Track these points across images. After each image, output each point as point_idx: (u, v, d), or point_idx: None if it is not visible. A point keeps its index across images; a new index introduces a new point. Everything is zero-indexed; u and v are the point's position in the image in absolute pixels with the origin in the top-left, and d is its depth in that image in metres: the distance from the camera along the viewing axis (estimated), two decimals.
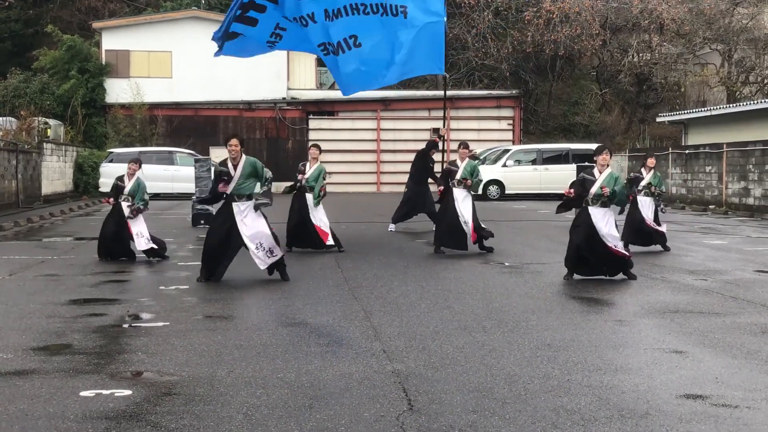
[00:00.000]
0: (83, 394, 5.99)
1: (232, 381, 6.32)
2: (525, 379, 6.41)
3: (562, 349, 7.39)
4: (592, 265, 11.62)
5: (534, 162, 33.44)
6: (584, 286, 11.16)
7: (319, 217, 14.77)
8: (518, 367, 6.75)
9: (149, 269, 12.89)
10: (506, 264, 13.37)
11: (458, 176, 14.59)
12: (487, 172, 32.07)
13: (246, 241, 11.03)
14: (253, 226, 11.07)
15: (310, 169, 15.02)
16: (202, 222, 20.55)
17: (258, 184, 11.30)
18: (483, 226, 14.78)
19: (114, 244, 13.72)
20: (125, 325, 8.55)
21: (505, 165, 33.29)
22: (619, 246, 11.55)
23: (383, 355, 7.14)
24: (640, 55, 41.89)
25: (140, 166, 14.01)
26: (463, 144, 15.13)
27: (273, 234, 11.20)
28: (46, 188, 29.14)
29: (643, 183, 15.50)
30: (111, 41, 38.01)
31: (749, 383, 6.34)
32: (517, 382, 6.32)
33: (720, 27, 41.24)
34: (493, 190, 32.59)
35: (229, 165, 11.22)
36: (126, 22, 38.89)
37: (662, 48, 41.57)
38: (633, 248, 15.02)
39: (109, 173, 31.48)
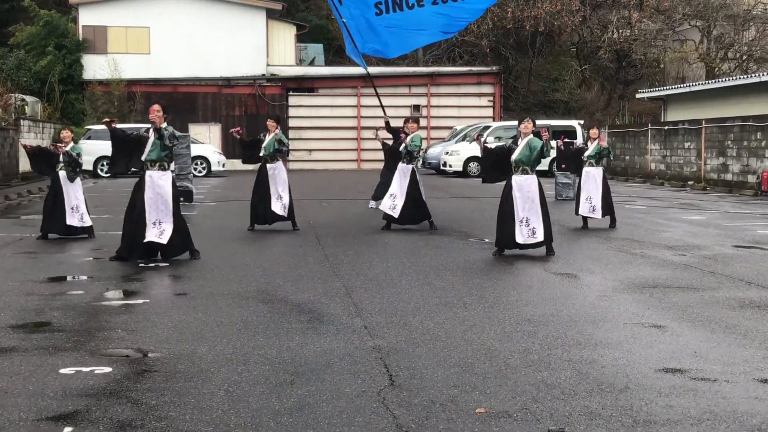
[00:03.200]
0: (63, 371, 5.96)
1: (213, 358, 6.30)
2: (505, 354, 6.43)
3: (542, 324, 7.43)
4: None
5: (514, 138, 33.41)
6: (564, 262, 11.20)
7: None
8: (499, 342, 6.78)
9: None
10: (486, 240, 13.39)
11: (401, 149, 14.56)
12: (467, 149, 32.07)
13: None
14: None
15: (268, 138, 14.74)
16: (182, 199, 20.43)
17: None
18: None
19: (57, 219, 13.50)
20: (104, 303, 8.51)
21: (485, 142, 33.26)
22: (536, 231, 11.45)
23: (364, 331, 7.15)
24: (620, 31, 41.95)
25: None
26: (412, 119, 15.19)
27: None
28: (24, 165, 28.85)
29: (587, 153, 15.48)
30: (88, 17, 37.64)
31: (727, 357, 6.40)
32: (498, 357, 6.35)
33: (699, 3, 41.31)
34: (473, 167, 32.58)
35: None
36: None
37: (642, 24, 41.63)
38: (596, 223, 15.13)
39: (87, 150, 31.17)
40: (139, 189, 11.10)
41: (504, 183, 11.82)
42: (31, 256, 11.66)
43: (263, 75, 38.70)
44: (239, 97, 38.66)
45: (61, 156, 13.47)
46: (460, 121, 37.55)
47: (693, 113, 31.53)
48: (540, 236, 11.47)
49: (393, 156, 14.97)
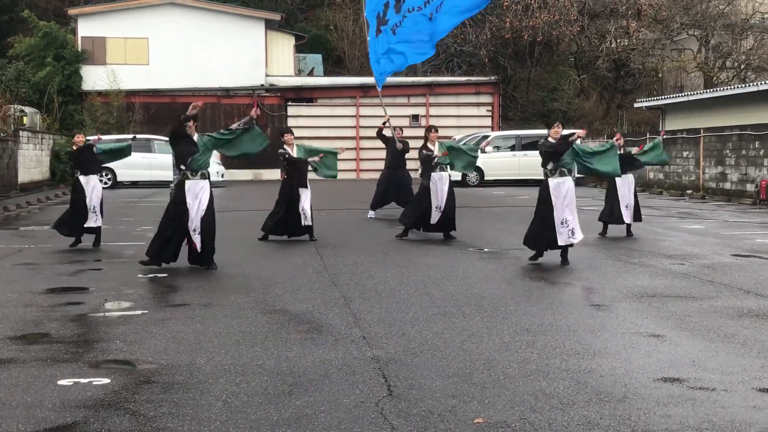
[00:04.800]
0: (61, 382, 5.95)
1: (211, 369, 6.30)
2: (504, 363, 6.43)
3: (540, 334, 7.43)
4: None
5: (513, 148, 33.43)
6: (562, 271, 11.21)
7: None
8: (497, 352, 6.77)
9: (127, 258, 12.81)
10: (485, 250, 13.40)
11: (436, 160, 14.63)
12: None
13: None
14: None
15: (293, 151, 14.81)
16: None
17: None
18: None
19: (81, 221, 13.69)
20: (103, 314, 8.51)
21: (483, 151, 33.29)
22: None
23: (363, 342, 7.14)
24: (618, 40, 41.99)
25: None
26: (432, 128, 15.20)
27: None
28: (23, 176, 28.89)
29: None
30: (87, 28, 37.68)
31: (726, 366, 6.40)
32: (496, 366, 6.34)
33: (697, 12, 41.39)
34: (472, 176, 32.56)
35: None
36: (102, 9, 38.51)
37: (640, 34, 41.67)
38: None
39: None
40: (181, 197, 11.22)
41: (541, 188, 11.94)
42: (29, 268, 11.66)
43: (262, 85, 38.74)
44: (238, 108, 38.66)
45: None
46: (459, 131, 37.53)
47: (691, 122, 31.55)
48: (579, 235, 11.68)
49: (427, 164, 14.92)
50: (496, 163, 33.08)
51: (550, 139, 11.93)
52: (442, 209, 14.50)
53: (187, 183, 11.19)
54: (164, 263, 11.35)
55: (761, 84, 28.46)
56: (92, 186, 13.81)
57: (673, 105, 34.10)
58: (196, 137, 11.22)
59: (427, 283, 10.18)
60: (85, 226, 13.71)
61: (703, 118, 31.01)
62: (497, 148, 33.69)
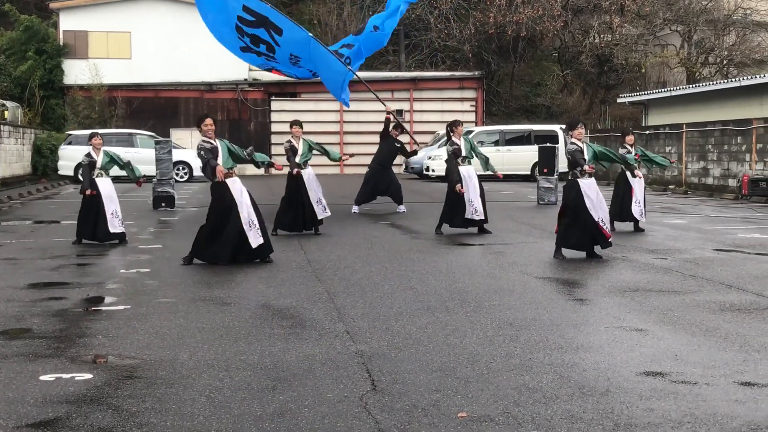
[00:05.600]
0: (43, 378, 5.92)
1: (194, 364, 6.28)
2: (487, 358, 6.44)
3: (523, 328, 7.44)
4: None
5: (497, 143, 33.49)
6: (546, 266, 11.24)
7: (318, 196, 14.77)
8: (480, 347, 6.79)
9: (110, 253, 12.76)
10: (469, 244, 13.42)
11: (463, 153, 14.57)
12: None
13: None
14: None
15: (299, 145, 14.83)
16: (163, 205, 20.41)
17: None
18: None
19: (96, 226, 13.48)
20: (85, 309, 8.46)
21: None
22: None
23: (347, 336, 7.14)
24: (601, 36, 42.13)
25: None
26: (457, 122, 15.06)
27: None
28: (4, 171, 28.71)
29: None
30: (69, 22, 37.45)
31: (708, 360, 6.43)
32: (480, 361, 6.35)
33: (680, 8, 41.59)
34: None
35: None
36: (84, 2, 38.24)
37: (623, 29, 41.83)
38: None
39: (68, 156, 31.05)
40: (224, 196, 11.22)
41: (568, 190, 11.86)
42: (11, 263, 11.59)
43: (245, 80, 38.63)
44: (222, 102, 38.58)
45: (99, 162, 13.45)
46: (443, 126, 37.53)
47: (674, 117, 31.69)
48: (609, 230, 11.86)
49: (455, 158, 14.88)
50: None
51: (575, 140, 11.80)
52: (474, 204, 14.41)
53: (228, 181, 11.19)
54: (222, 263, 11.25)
55: (743, 79, 28.66)
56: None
57: (655, 100, 34.27)
58: (217, 142, 11.37)
59: (411, 277, 10.19)
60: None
61: (686, 113, 31.17)
62: (481, 143, 33.71)
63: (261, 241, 11.23)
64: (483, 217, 14.52)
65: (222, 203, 11.20)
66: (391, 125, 18.94)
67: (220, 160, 11.14)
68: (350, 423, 5.02)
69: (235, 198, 11.13)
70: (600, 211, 11.63)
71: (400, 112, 39.54)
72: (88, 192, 13.40)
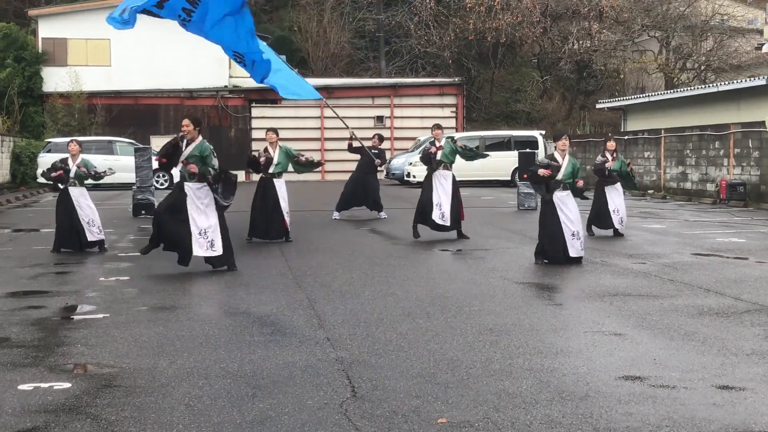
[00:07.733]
0: (21, 387, 5.89)
1: (173, 372, 6.26)
2: (467, 363, 6.46)
3: (503, 334, 7.47)
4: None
5: (477, 149, 33.47)
6: (526, 271, 11.27)
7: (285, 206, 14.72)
8: (461, 352, 6.80)
9: (89, 261, 12.69)
10: (449, 250, 13.44)
11: (438, 157, 14.74)
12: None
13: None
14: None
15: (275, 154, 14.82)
16: (143, 212, 20.33)
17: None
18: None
19: (71, 235, 13.38)
20: (64, 317, 8.41)
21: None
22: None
23: (327, 343, 7.14)
24: (580, 42, 42.38)
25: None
26: (437, 125, 15.42)
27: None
28: None
29: (612, 167, 15.60)
30: (47, 29, 37.23)
31: (686, 364, 6.48)
32: (460, 366, 6.37)
33: (658, 14, 41.89)
34: None
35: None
36: (63, 10, 38.07)
37: (602, 35, 42.09)
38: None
39: (47, 163, 30.64)
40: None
41: (542, 203, 11.99)
42: None
43: (225, 86, 38.54)
44: (202, 109, 38.43)
45: (72, 171, 13.34)
46: (424, 132, 37.58)
47: (652, 123, 31.90)
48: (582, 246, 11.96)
49: (425, 161, 15.01)
50: (460, 163, 33.04)
51: (556, 153, 11.89)
52: (441, 207, 14.45)
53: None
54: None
55: (721, 85, 28.85)
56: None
57: (634, 106, 34.46)
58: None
59: (391, 283, 10.19)
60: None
61: (664, 118, 31.38)
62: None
63: (211, 253, 11.04)
64: (448, 224, 14.54)
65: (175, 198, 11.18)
66: (354, 144, 19.10)
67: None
68: (330, 430, 5.02)
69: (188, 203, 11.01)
70: (576, 225, 11.71)
71: (380, 118, 39.61)
72: (54, 174, 13.38)
